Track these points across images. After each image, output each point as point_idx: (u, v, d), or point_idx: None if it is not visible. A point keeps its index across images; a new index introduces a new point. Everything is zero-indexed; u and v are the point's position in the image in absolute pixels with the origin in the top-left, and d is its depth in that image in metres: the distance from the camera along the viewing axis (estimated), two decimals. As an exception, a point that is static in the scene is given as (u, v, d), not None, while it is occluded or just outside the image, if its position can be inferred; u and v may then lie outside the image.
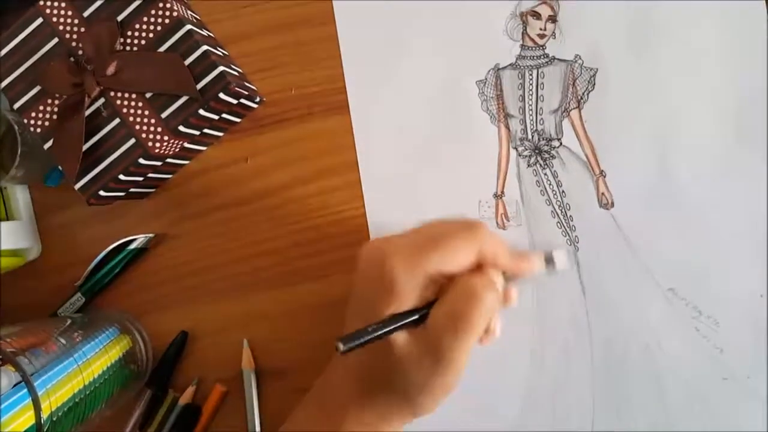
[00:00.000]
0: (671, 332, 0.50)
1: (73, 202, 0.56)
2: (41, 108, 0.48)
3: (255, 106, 0.54)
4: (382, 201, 0.53)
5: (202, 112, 0.47)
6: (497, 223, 0.53)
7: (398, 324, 0.38)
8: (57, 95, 0.48)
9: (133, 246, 0.54)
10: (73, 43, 0.48)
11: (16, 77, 0.48)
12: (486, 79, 0.53)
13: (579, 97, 0.52)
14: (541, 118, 0.52)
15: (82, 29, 0.47)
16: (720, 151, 0.51)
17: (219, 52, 0.50)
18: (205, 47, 0.47)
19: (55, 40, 0.48)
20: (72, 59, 0.47)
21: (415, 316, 0.38)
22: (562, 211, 0.52)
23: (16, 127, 0.49)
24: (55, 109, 0.48)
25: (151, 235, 0.54)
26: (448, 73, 0.53)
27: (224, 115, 0.50)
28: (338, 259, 0.54)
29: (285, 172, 0.54)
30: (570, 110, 0.52)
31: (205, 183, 0.55)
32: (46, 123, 0.48)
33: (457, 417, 0.50)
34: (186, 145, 0.51)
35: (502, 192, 0.53)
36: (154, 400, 0.54)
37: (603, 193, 0.51)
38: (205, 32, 0.50)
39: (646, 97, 0.52)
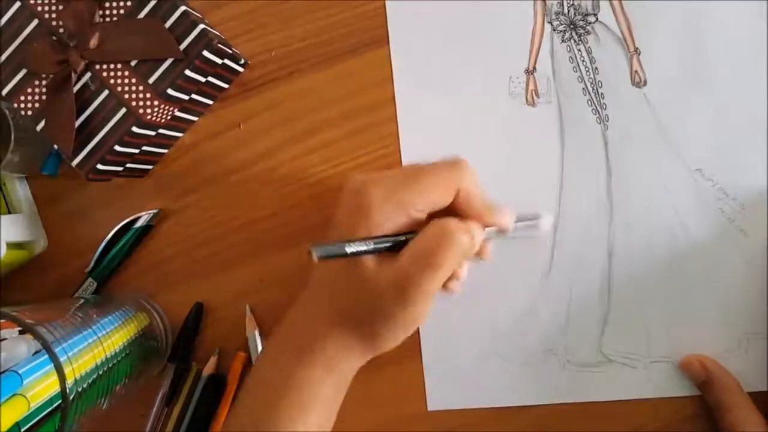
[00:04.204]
0: (696, 213, 0.50)
1: (72, 191, 0.56)
2: (29, 90, 0.48)
3: (240, 69, 0.54)
4: (414, 82, 0.53)
5: (188, 72, 0.47)
6: (527, 99, 0.52)
7: (373, 246, 0.38)
8: (43, 75, 0.48)
9: (138, 224, 0.54)
10: (53, 22, 0.48)
11: (0, 64, 0.48)
12: None
13: None
14: None
15: (60, 7, 0.48)
16: (758, 34, 0.50)
17: (197, 14, 0.50)
18: (183, 7, 0.47)
19: (35, 21, 0.48)
20: (54, 38, 0.48)
21: (389, 243, 0.39)
22: (593, 89, 0.51)
23: (7, 112, 0.49)
24: (44, 90, 0.48)
25: (154, 210, 0.54)
26: None
27: (211, 79, 0.51)
28: (342, 213, 0.54)
29: (278, 133, 0.54)
30: None
31: (200, 154, 0.55)
32: (36, 104, 0.48)
33: (476, 291, 0.50)
34: (177, 113, 0.51)
35: (534, 68, 0.52)
36: (178, 375, 0.53)
37: (636, 71, 0.51)
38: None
39: None
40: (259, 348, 0.53)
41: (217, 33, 0.52)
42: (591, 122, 0.51)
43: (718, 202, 0.50)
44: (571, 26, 0.51)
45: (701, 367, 0.48)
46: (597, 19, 0.51)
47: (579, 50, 0.51)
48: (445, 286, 0.44)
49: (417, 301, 0.38)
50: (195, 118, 0.54)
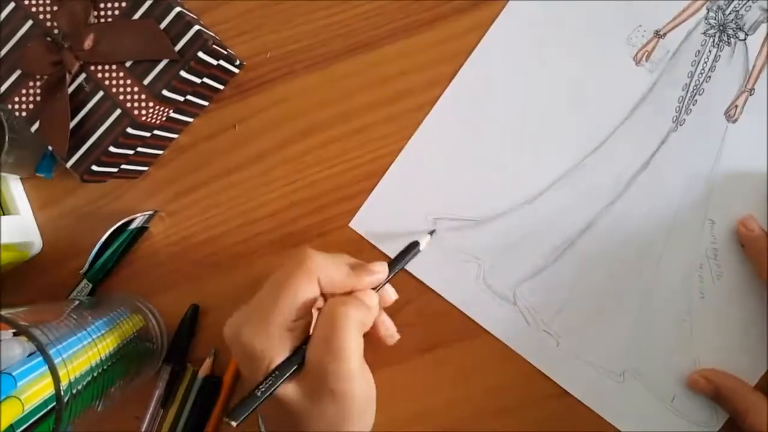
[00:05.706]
0: (679, 251, 0.49)
1: (67, 193, 0.56)
2: (24, 92, 0.48)
3: (236, 70, 0.54)
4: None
5: (183, 74, 0.47)
6: (636, 55, 0.50)
7: (279, 378, 0.38)
8: (38, 77, 0.48)
9: (133, 226, 0.54)
10: (48, 23, 0.48)
11: (-6, 65, 0.48)
12: None
13: None
14: (749, 5, 0.49)
15: (55, 8, 0.48)
16: None
17: (192, 15, 0.50)
18: (178, 8, 0.47)
19: (30, 22, 0.48)
20: (48, 38, 0.48)
21: (295, 365, 0.38)
22: (693, 91, 0.50)
23: (1, 114, 0.49)
24: (38, 91, 0.48)
25: (149, 212, 0.54)
26: None
27: (206, 80, 0.50)
28: (337, 214, 0.54)
29: (273, 134, 0.54)
30: None
31: (196, 155, 0.55)
32: (31, 105, 0.48)
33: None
34: (172, 114, 0.51)
35: (665, 34, 0.50)
36: (174, 377, 0.53)
37: (736, 106, 0.49)
38: None
39: None
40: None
41: (212, 34, 0.52)
42: (667, 115, 0.50)
43: (700, 265, 0.49)
44: (720, 28, 0.49)
45: (706, 382, 0.47)
46: (745, 38, 0.50)
47: (709, 51, 0.50)
48: (376, 345, 0.44)
49: (354, 394, 0.38)
50: (190, 120, 0.54)
